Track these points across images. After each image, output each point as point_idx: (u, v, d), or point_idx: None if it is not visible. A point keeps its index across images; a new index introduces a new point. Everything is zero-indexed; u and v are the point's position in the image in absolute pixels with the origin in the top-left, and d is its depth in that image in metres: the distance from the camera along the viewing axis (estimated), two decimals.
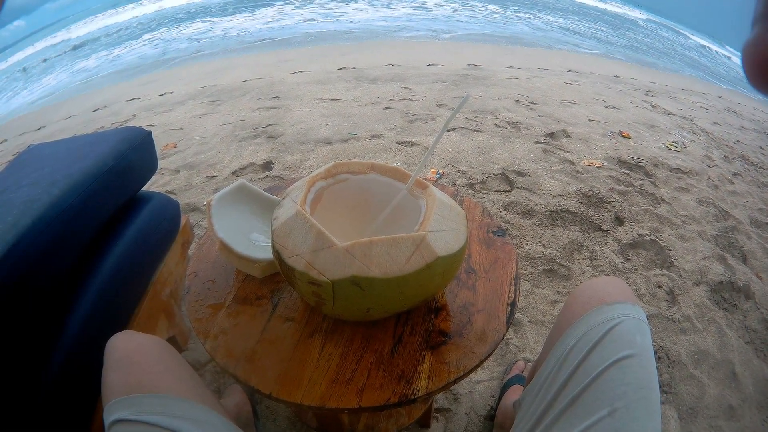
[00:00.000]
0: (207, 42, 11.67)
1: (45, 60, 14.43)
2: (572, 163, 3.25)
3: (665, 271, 2.34)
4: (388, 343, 0.88)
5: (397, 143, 3.36)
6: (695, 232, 2.84)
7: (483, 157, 3.19)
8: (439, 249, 0.72)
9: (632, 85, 6.98)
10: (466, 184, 2.82)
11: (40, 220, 0.93)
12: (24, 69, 13.72)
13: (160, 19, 18.24)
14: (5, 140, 5.30)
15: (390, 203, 0.92)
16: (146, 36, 14.35)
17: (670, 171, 3.66)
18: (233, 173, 3.05)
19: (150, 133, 1.39)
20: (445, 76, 5.52)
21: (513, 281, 1.04)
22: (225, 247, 0.97)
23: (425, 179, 2.76)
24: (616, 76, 7.38)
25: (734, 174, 4.21)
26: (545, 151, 3.38)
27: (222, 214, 1.04)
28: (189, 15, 17.64)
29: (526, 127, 3.82)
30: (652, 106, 5.68)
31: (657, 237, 2.60)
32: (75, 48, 15.23)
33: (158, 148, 3.52)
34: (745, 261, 2.77)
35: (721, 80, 16.59)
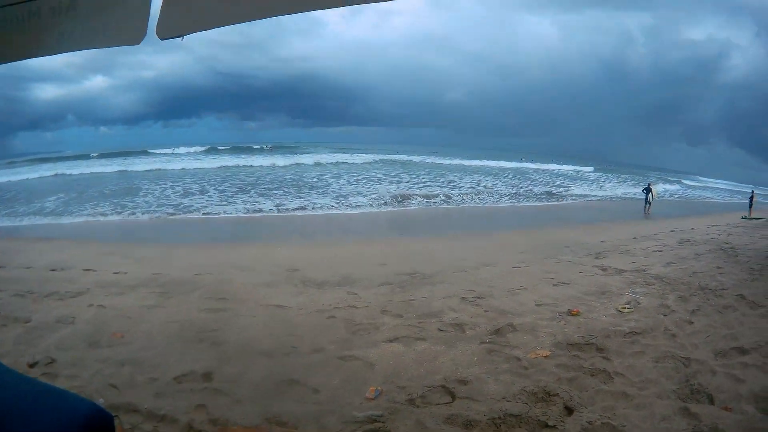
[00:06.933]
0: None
1: None
2: (518, 359, 3.44)
3: None
4: None
5: (338, 358, 3.49)
6: (653, 394, 2.93)
7: (424, 368, 3.33)
8: None
9: (583, 250, 7.70)
10: (406, 400, 2.90)
11: None
12: None
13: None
14: None
15: None
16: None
17: (624, 337, 3.87)
18: (175, 378, 3.12)
19: (113, 419, 1.45)
20: (391, 277, 5.92)
21: None
22: None
23: (365, 397, 2.97)
24: (566, 247, 8.15)
25: (693, 311, 4.49)
26: (490, 351, 3.60)
27: None
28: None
29: (470, 327, 4.09)
30: (603, 270, 6.20)
31: (609, 417, 2.67)
32: None
33: (106, 334, 3.83)
34: (711, 401, 2.86)
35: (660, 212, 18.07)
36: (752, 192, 22.25)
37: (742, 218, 17.45)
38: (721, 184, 63.01)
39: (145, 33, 1.94)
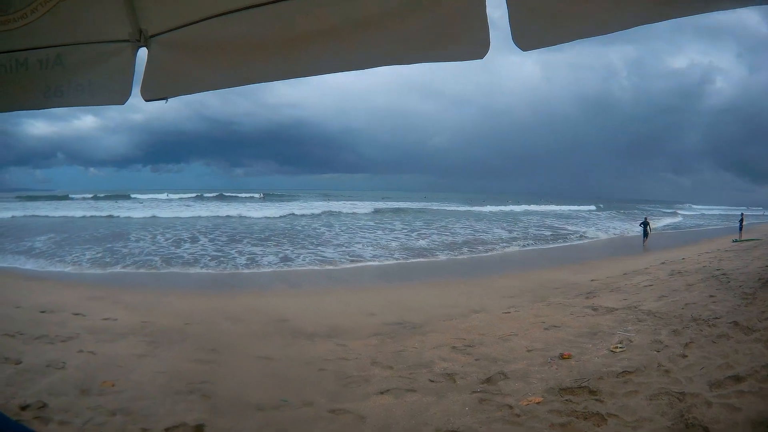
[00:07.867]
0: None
1: None
2: (510, 407, 3.42)
3: None
4: None
5: (329, 411, 3.48)
6: None
7: (416, 419, 3.32)
8: None
9: (573, 291, 7.72)
10: None
11: None
12: None
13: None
14: None
15: None
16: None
17: (617, 377, 3.86)
18: (166, 430, 3.11)
19: None
20: (381, 327, 5.94)
21: None
22: None
23: None
24: (556, 289, 8.17)
25: (687, 344, 4.47)
26: (481, 400, 3.58)
27: None
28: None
29: (461, 377, 4.07)
30: (594, 310, 6.20)
31: None
32: None
33: (97, 382, 3.79)
34: None
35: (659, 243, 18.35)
36: (742, 215, 23.27)
37: (733, 241, 17.90)
38: (715, 209, 64.28)
39: (130, 93, 2.01)
